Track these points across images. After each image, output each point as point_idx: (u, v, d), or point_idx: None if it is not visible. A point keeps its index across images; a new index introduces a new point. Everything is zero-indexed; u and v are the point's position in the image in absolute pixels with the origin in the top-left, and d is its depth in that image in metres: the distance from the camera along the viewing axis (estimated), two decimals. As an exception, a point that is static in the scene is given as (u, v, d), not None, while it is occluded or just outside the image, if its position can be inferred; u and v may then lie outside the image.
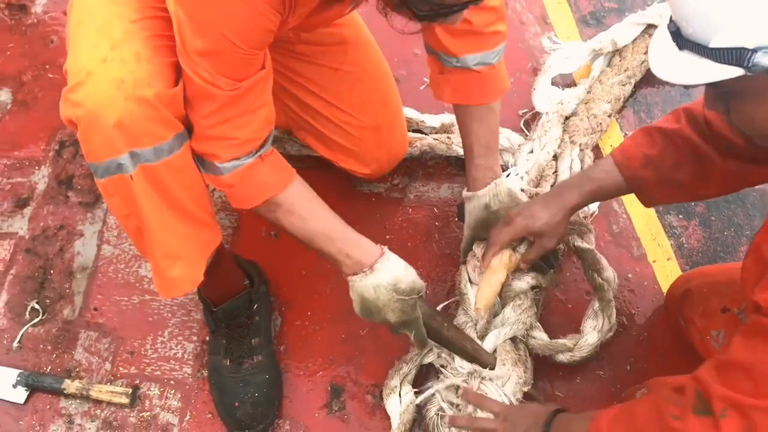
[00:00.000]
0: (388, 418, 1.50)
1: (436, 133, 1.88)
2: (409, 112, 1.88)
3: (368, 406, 1.56)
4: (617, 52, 2.00)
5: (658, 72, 0.98)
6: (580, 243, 1.58)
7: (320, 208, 1.35)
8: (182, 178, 1.24)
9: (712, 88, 0.97)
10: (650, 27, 2.02)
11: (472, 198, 1.55)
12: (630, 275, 1.71)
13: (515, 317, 1.49)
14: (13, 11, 2.26)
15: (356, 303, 1.35)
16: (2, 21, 2.24)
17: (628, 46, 2.02)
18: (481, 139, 1.54)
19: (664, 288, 1.68)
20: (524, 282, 1.52)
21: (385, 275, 1.31)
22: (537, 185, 1.77)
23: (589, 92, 1.93)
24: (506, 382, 1.42)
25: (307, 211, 1.33)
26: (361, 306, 1.35)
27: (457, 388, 1.44)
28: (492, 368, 1.43)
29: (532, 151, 1.81)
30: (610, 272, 1.55)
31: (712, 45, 0.89)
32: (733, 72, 0.88)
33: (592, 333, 1.53)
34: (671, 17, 0.97)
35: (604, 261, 1.56)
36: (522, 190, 1.67)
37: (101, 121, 1.13)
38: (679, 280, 1.58)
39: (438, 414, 1.45)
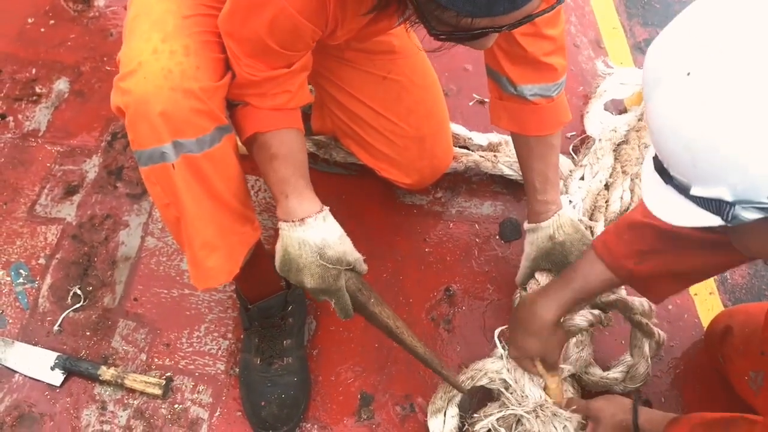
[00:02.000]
0: (417, 430, 1.49)
1: (483, 150, 1.88)
2: (457, 129, 1.88)
3: (397, 416, 1.56)
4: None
5: (650, 206, 0.94)
6: (606, 298, 1.52)
7: (297, 149, 1.30)
8: (223, 171, 1.26)
9: None
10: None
11: (536, 230, 1.55)
12: (670, 307, 1.69)
13: (576, 354, 1.47)
14: (77, 3, 2.32)
15: (278, 254, 1.29)
16: (66, 12, 2.31)
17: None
18: (541, 175, 1.53)
19: (704, 321, 1.66)
20: (584, 319, 1.47)
21: (313, 234, 1.25)
22: (591, 215, 1.74)
23: (640, 120, 1.91)
24: (571, 419, 1.38)
25: (283, 143, 1.28)
26: (282, 259, 1.28)
27: (516, 418, 1.39)
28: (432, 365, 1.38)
29: (583, 178, 1.79)
30: (646, 305, 1.50)
31: (693, 192, 0.85)
32: (715, 221, 0.85)
33: (641, 362, 1.49)
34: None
35: (635, 301, 1.50)
36: (579, 221, 1.65)
37: (148, 109, 1.16)
38: (721, 316, 1.55)
39: None
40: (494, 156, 1.83)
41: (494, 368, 1.45)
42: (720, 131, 0.79)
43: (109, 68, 2.16)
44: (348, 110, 1.69)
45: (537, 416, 1.38)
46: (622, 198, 1.76)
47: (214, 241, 1.31)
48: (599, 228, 1.68)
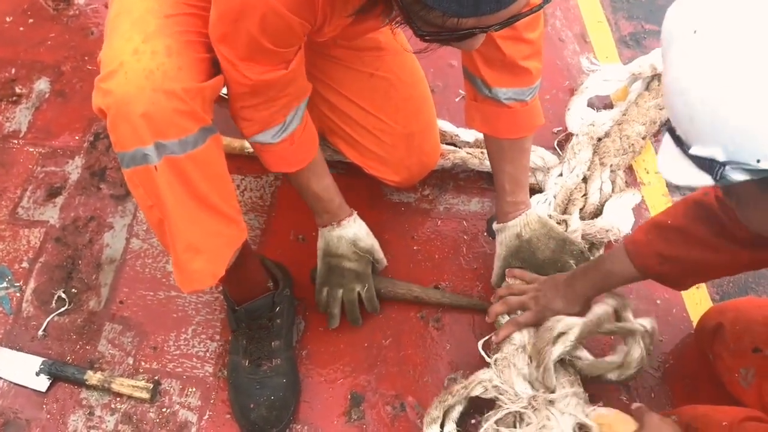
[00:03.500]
0: (408, 430, 1.49)
1: (470, 147, 1.87)
2: (444, 125, 1.87)
3: (388, 416, 1.55)
4: (656, 76, 1.98)
5: (659, 163, 0.98)
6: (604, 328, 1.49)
7: (323, 173, 1.54)
8: (207, 172, 1.25)
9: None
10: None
11: (504, 229, 1.60)
12: (659, 301, 1.69)
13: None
14: (57, 1, 2.29)
15: (320, 248, 1.60)
16: (45, 11, 2.27)
17: (668, 71, 1.99)
18: (512, 177, 1.57)
19: (693, 315, 1.66)
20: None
21: (348, 231, 1.58)
22: (564, 210, 1.75)
23: (624, 114, 1.91)
24: (569, 403, 1.39)
25: (313, 174, 1.51)
26: (324, 251, 1.59)
27: (515, 416, 1.41)
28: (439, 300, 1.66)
29: (561, 175, 1.80)
30: (629, 314, 1.50)
31: (691, 151, 0.89)
32: (705, 180, 0.88)
33: (635, 347, 1.47)
34: None
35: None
36: (549, 216, 1.67)
37: (129, 110, 1.15)
38: (712, 312, 1.55)
39: None
40: (481, 153, 1.83)
41: (486, 377, 1.46)
42: (717, 91, 0.82)
43: (90, 67, 2.13)
44: (335, 108, 1.68)
45: (533, 408, 1.39)
46: (601, 189, 1.76)
47: (199, 243, 1.29)
48: (573, 221, 1.69)
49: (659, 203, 1.84)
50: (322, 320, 1.66)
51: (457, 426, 1.45)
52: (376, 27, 1.43)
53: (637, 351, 1.47)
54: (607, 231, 1.67)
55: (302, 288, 1.70)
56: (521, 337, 1.49)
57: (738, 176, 0.85)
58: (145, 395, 1.56)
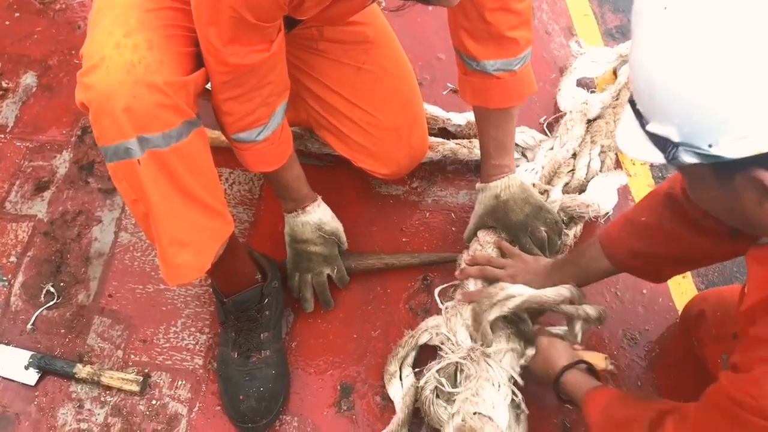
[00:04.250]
0: (397, 419, 1.50)
1: (461, 131, 1.90)
2: (435, 110, 1.89)
3: (377, 406, 1.56)
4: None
5: (617, 135, 0.99)
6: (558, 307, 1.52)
7: (293, 165, 1.56)
8: (192, 165, 1.26)
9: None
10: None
11: (484, 189, 1.65)
12: (645, 291, 1.71)
13: None
14: (43, -5, 2.28)
15: (287, 234, 1.65)
16: (31, 4, 2.26)
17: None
18: (497, 141, 1.61)
19: (678, 305, 1.68)
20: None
21: (312, 216, 1.61)
22: (549, 181, 1.78)
23: (616, 98, 1.92)
24: (504, 357, 1.44)
25: (284, 167, 1.52)
26: (291, 237, 1.64)
27: (456, 366, 1.47)
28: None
29: (552, 149, 1.82)
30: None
31: (648, 127, 0.89)
32: (657, 157, 0.89)
33: (574, 328, 1.49)
34: None
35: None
36: (533, 185, 1.70)
37: (111, 104, 1.15)
38: (694, 300, 1.57)
39: (433, 392, 1.46)
40: (470, 142, 1.84)
41: (433, 323, 1.55)
42: (678, 70, 0.82)
43: (77, 61, 2.12)
44: (323, 101, 1.68)
45: (471, 359, 1.44)
46: (589, 166, 1.79)
47: (184, 237, 1.30)
48: (555, 192, 1.73)
49: (645, 193, 1.85)
50: (311, 313, 1.67)
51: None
52: (361, 7, 1.42)
53: (575, 330, 1.50)
54: (587, 206, 1.69)
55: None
56: (474, 286, 1.56)
57: (689, 158, 0.86)
58: (135, 388, 1.56)
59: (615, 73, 2.05)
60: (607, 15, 2.25)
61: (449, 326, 1.52)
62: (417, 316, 1.68)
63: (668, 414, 1.08)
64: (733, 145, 0.82)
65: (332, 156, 1.83)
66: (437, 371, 1.47)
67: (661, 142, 0.88)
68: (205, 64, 1.26)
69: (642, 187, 1.88)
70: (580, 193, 1.76)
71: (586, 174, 1.79)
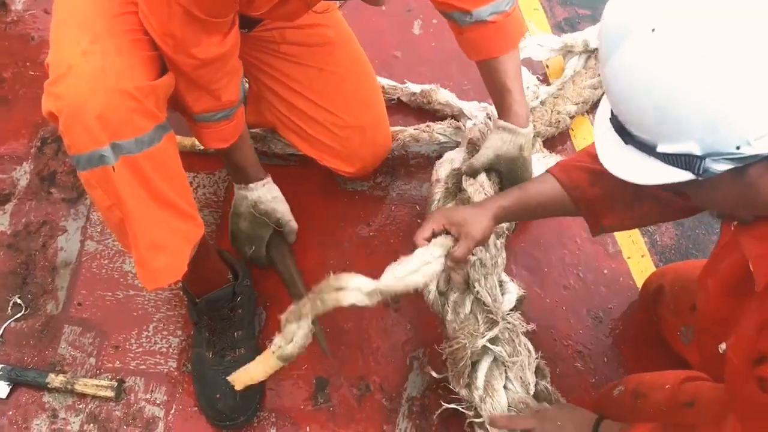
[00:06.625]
0: (375, 409, 1.53)
1: (416, 99, 1.98)
2: (385, 81, 1.95)
3: (354, 397, 1.59)
4: (593, 54, 2.06)
5: (610, 167, 0.94)
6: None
7: (244, 144, 1.59)
8: (164, 170, 1.26)
9: None
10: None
11: (514, 132, 1.53)
12: (606, 271, 1.76)
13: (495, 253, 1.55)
14: (-6, 8, 2.25)
15: (232, 206, 1.69)
16: (-18, 18, 2.23)
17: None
18: (513, 76, 1.53)
19: (639, 283, 1.74)
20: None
21: (252, 194, 1.64)
22: None
23: (560, 89, 1.98)
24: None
25: (236, 145, 1.55)
26: (233, 209, 1.69)
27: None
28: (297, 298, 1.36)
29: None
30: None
31: (659, 149, 0.86)
32: (685, 176, 0.86)
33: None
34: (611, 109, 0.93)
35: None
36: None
37: (83, 113, 1.15)
38: (653, 276, 1.63)
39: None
40: (427, 126, 1.88)
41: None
42: (691, 87, 0.80)
43: (33, 73, 2.10)
44: (288, 103, 1.70)
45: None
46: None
47: (161, 240, 1.30)
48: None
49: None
50: (283, 310, 1.66)
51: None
52: (309, 5, 1.41)
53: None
54: None
55: (262, 280, 1.72)
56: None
57: (721, 167, 0.83)
58: (110, 394, 1.56)
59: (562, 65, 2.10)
60: (556, 8, 2.32)
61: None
62: (387, 307, 1.71)
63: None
64: (764, 139, 0.81)
65: (296, 156, 1.85)
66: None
67: (681, 160, 0.85)
68: (168, 61, 1.27)
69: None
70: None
71: None
